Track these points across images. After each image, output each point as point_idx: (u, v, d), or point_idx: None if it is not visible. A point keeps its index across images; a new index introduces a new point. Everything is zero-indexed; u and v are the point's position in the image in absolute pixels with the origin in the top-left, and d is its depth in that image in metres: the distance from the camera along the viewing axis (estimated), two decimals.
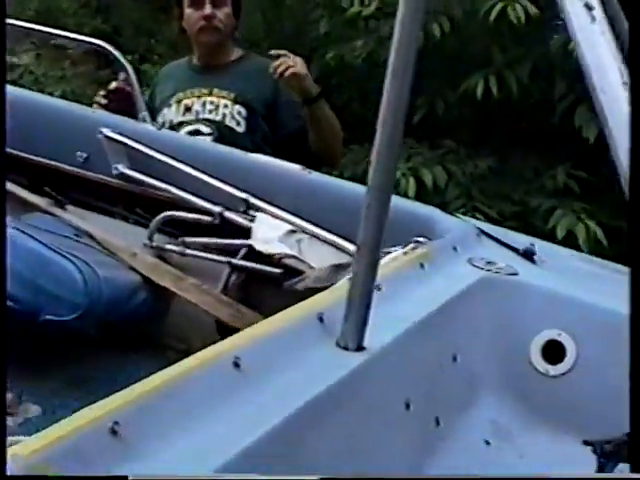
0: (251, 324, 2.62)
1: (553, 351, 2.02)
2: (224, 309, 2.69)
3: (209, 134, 3.36)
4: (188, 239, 2.83)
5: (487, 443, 1.83)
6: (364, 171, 4.21)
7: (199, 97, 3.43)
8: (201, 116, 3.40)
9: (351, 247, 2.49)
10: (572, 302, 2.09)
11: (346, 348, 1.44)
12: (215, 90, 3.42)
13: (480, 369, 1.98)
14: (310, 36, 5.39)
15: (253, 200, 2.68)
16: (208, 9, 3.41)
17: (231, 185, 2.71)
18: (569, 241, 3.50)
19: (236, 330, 2.61)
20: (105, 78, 5.79)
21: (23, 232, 2.53)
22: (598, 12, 0.93)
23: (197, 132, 3.38)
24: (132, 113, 3.18)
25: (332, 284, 2.28)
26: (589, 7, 0.93)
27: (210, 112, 3.39)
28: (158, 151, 2.84)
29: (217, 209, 2.72)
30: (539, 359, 2.02)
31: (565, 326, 2.03)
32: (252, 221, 2.68)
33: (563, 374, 2.01)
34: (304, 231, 2.60)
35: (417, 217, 2.56)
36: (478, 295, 2.04)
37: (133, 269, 2.74)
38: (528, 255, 2.37)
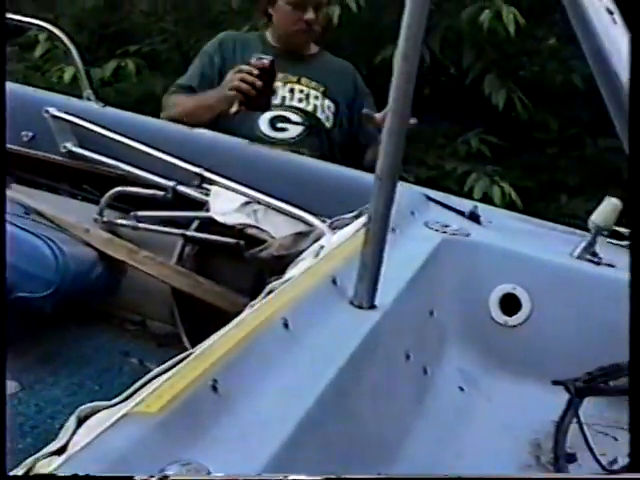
0: (208, 292, 2.77)
1: (510, 304, 2.20)
2: (182, 279, 2.80)
3: (298, 123, 3.23)
4: (140, 213, 2.91)
5: (461, 389, 1.99)
6: None
7: (285, 83, 3.25)
8: (288, 103, 3.24)
9: (306, 216, 2.63)
10: (523, 258, 2.28)
11: (360, 307, 1.58)
12: (304, 79, 3.28)
13: (448, 322, 2.14)
14: (216, 10, 5.49)
15: (207, 174, 2.77)
16: (311, 14, 3.22)
17: (183, 160, 2.80)
18: (485, 203, 3.68)
19: (194, 299, 2.76)
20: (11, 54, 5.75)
21: None
22: (618, 16, 1.08)
23: (285, 119, 3.23)
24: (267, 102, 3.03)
25: (296, 251, 2.42)
26: (610, 11, 1.07)
27: (300, 101, 3.25)
28: (106, 128, 2.91)
29: (170, 183, 2.81)
30: (498, 312, 2.20)
31: (519, 280, 2.21)
32: (206, 195, 2.78)
33: (520, 324, 2.19)
34: (258, 202, 2.71)
35: (365, 185, 2.69)
36: (442, 256, 2.19)
37: (87, 244, 2.82)
38: (474, 217, 2.54)
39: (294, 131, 3.21)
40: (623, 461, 1.81)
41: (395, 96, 1.50)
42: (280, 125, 3.20)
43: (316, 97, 3.26)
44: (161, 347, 2.87)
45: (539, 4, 4.84)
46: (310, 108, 3.25)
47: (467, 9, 4.40)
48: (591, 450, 1.78)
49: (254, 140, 3.04)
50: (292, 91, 3.25)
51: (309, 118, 3.24)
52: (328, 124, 3.28)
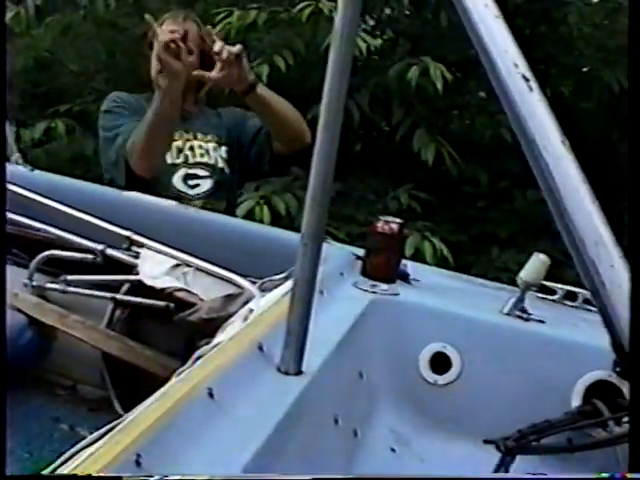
0: (139, 356, 2.75)
1: (440, 362, 2.22)
2: (112, 343, 2.78)
3: (206, 177, 3.36)
4: (70, 277, 2.89)
5: (393, 450, 2.00)
6: None
7: (186, 140, 3.38)
8: (192, 160, 3.36)
9: (235, 277, 2.62)
10: (452, 316, 2.30)
11: (287, 373, 1.58)
12: (199, 135, 3.42)
13: (378, 383, 2.15)
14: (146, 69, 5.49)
15: (136, 237, 2.77)
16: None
17: (112, 223, 2.80)
18: (417, 259, 3.71)
19: (125, 363, 2.74)
20: None
21: None
22: (534, 83, 1.11)
23: (194, 176, 3.35)
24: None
25: (226, 314, 2.42)
26: (526, 79, 1.11)
27: (202, 156, 3.38)
28: (35, 192, 2.90)
29: (99, 247, 2.79)
30: (428, 370, 2.22)
31: (448, 338, 2.22)
32: (135, 257, 2.77)
33: (451, 382, 2.21)
34: (188, 265, 2.71)
35: (294, 244, 2.71)
36: (371, 317, 2.21)
37: (16, 309, 2.80)
38: (403, 276, 2.55)
39: (205, 185, 3.36)
40: None
41: (318, 160, 1.52)
42: (191, 182, 3.34)
43: (215, 149, 3.41)
44: (92, 412, 2.83)
45: (466, 59, 4.93)
46: (212, 161, 3.39)
47: (395, 66, 4.47)
48: None
49: (172, 197, 3.13)
50: (192, 148, 3.38)
51: (214, 170, 3.38)
52: (227, 170, 3.42)
